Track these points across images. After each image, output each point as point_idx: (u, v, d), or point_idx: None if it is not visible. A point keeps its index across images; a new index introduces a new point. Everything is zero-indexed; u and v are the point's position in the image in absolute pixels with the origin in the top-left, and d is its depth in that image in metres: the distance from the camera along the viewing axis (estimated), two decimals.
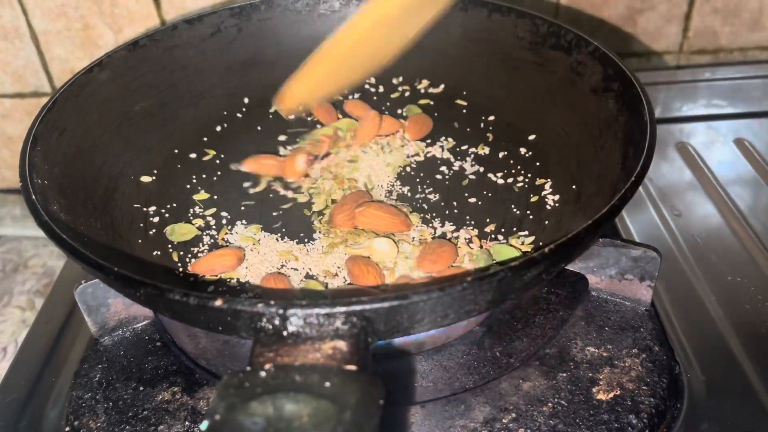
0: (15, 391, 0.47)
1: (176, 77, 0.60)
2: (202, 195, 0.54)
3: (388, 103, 0.63)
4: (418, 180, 0.55)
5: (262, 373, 0.31)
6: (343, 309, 0.33)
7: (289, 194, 0.54)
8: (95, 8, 0.73)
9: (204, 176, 0.56)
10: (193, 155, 0.58)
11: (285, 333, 0.33)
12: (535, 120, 0.58)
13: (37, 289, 0.72)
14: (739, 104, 0.73)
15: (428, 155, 0.58)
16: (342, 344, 0.33)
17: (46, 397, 0.47)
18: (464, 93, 0.63)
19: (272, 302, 0.32)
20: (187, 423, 0.42)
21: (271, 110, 0.62)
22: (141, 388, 0.44)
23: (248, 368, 0.31)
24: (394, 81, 0.65)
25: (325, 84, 0.53)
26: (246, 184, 0.55)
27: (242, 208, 0.53)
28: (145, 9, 0.74)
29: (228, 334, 0.36)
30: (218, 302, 0.33)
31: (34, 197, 0.41)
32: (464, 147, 0.58)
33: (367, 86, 0.65)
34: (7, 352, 0.65)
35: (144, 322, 0.48)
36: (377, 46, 0.51)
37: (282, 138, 0.60)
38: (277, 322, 0.33)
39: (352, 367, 0.31)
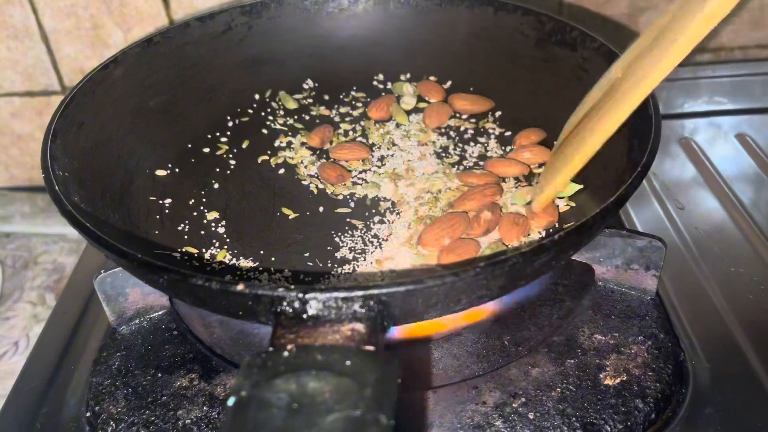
0: (35, 379, 0.48)
1: (188, 74, 0.61)
2: (216, 188, 0.55)
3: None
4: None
5: (285, 353, 0.32)
6: (360, 293, 0.34)
7: (304, 193, 0.56)
8: (105, 8, 0.74)
9: (218, 170, 0.57)
10: (206, 149, 0.59)
11: (305, 316, 0.34)
12: (542, 115, 0.59)
13: (47, 285, 0.73)
14: (740, 101, 0.74)
15: (438, 148, 0.59)
16: (360, 326, 0.34)
17: (66, 384, 0.48)
18: (471, 89, 0.64)
19: (293, 287, 0.34)
20: (205, 408, 0.43)
21: (280, 106, 0.64)
22: (159, 375, 0.45)
23: (270, 349, 0.32)
24: (402, 78, 0.66)
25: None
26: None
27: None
28: (154, 8, 0.74)
29: (248, 319, 0.37)
30: (240, 287, 0.34)
31: (57, 188, 0.42)
32: (471, 142, 0.59)
33: (375, 83, 0.66)
34: (18, 347, 0.66)
35: (161, 312, 0.49)
36: None
37: (290, 133, 0.61)
38: (297, 305, 0.34)
39: (371, 348, 0.32)
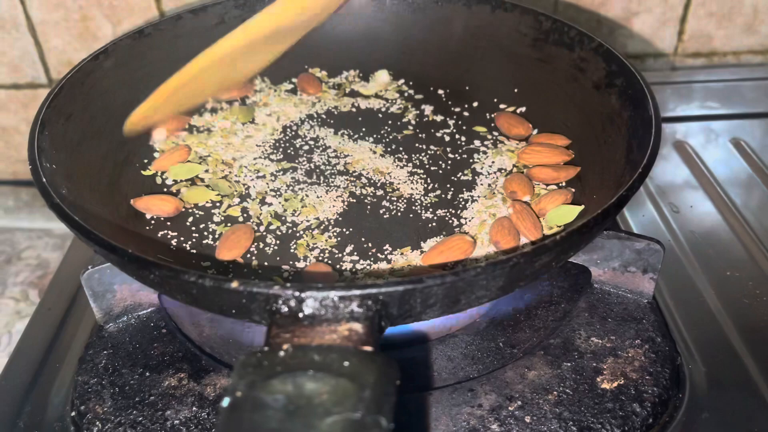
0: (19, 376, 0.47)
1: (180, 67, 0.60)
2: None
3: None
4: (423, 174, 0.56)
5: (281, 353, 0.31)
6: (358, 292, 0.33)
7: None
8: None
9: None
10: (197, 145, 0.58)
11: (301, 315, 0.33)
12: (539, 115, 0.58)
13: (31, 281, 0.72)
14: (733, 105, 0.74)
15: (432, 150, 0.58)
16: (357, 326, 0.33)
17: (51, 382, 0.46)
18: (467, 87, 0.63)
19: (288, 285, 0.33)
20: (194, 408, 0.42)
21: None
22: (147, 374, 0.44)
23: (266, 348, 0.31)
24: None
25: (176, 103, 0.55)
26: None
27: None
28: (145, 1, 0.73)
29: (242, 318, 0.36)
30: (234, 284, 0.33)
31: (44, 180, 0.41)
32: (468, 142, 0.59)
33: (369, 80, 0.65)
34: (0, 343, 0.65)
35: (149, 309, 0.48)
36: (236, 68, 0.56)
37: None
38: (293, 304, 0.33)
39: (369, 348, 0.32)
